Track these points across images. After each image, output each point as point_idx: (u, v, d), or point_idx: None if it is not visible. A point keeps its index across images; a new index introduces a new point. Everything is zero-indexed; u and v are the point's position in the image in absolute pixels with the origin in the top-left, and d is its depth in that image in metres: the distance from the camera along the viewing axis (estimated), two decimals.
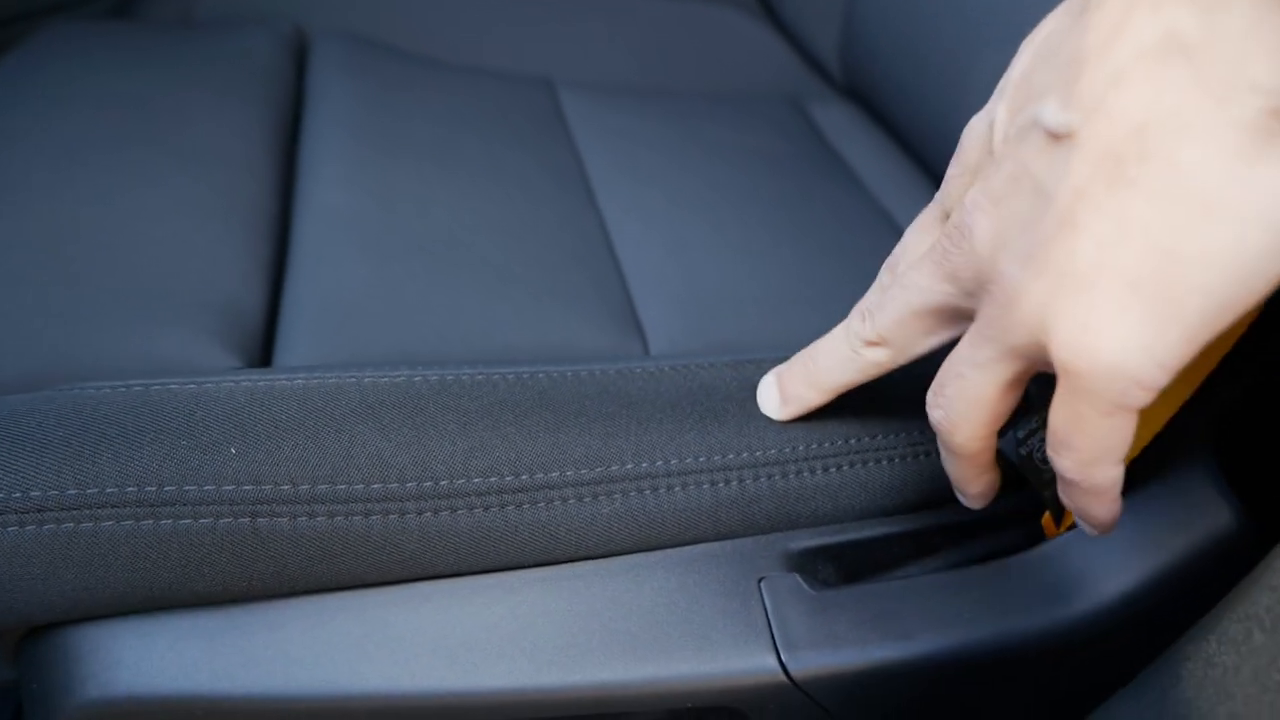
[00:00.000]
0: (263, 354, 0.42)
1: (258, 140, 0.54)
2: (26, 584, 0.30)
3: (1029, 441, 0.38)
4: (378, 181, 0.53)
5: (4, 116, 0.52)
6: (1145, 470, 0.35)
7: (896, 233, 0.59)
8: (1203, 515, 0.35)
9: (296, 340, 0.42)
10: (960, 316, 0.29)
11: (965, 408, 0.29)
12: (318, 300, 0.44)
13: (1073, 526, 0.36)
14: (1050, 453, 0.27)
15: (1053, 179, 0.24)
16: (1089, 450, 0.26)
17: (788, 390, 0.36)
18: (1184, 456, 0.35)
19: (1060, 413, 0.26)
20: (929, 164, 0.64)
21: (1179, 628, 0.36)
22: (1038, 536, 0.38)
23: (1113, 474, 0.26)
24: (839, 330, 0.33)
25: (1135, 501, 0.36)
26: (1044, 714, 0.37)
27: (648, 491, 0.34)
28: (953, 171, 0.31)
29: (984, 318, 0.27)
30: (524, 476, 0.33)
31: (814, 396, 0.35)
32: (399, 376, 0.35)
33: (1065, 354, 0.24)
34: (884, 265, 0.34)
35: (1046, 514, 0.37)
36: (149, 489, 0.30)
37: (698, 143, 0.64)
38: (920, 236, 0.33)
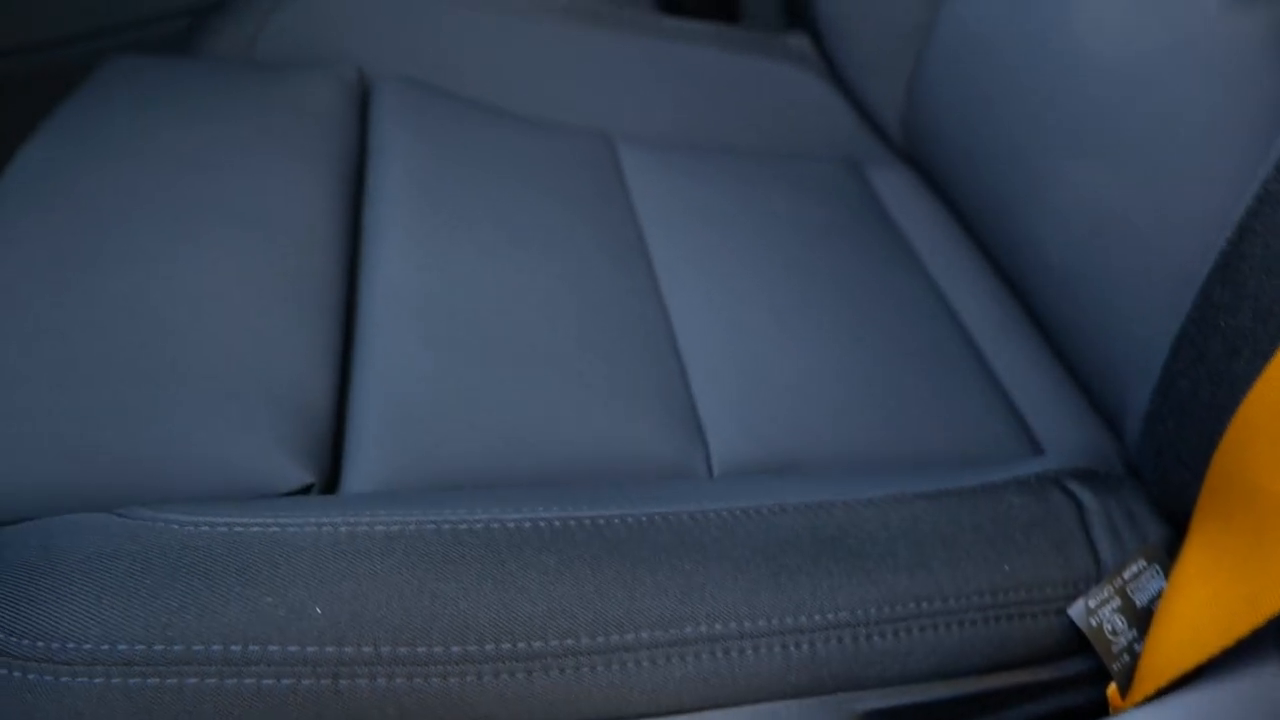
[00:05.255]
0: (332, 463, 0.42)
1: (323, 204, 0.54)
2: None
3: (1099, 611, 0.38)
4: (441, 253, 0.52)
5: (56, 171, 0.51)
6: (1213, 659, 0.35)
7: (950, 317, 0.59)
8: (1270, 699, 0.35)
9: (365, 449, 0.42)
10: None
11: None
12: (385, 401, 0.43)
13: (1140, 704, 0.36)
14: None
15: None
16: None
17: None
18: (1251, 643, 0.35)
19: None
20: (982, 240, 0.63)
21: None
22: (1102, 706, 0.38)
23: None
24: None
25: (1204, 687, 0.36)
26: None
27: (719, 654, 0.35)
28: None
29: None
30: (599, 638, 0.33)
31: None
32: (478, 523, 0.35)
33: None
34: None
35: (1112, 686, 0.38)
36: (234, 648, 0.30)
37: (756, 212, 0.63)
38: None
